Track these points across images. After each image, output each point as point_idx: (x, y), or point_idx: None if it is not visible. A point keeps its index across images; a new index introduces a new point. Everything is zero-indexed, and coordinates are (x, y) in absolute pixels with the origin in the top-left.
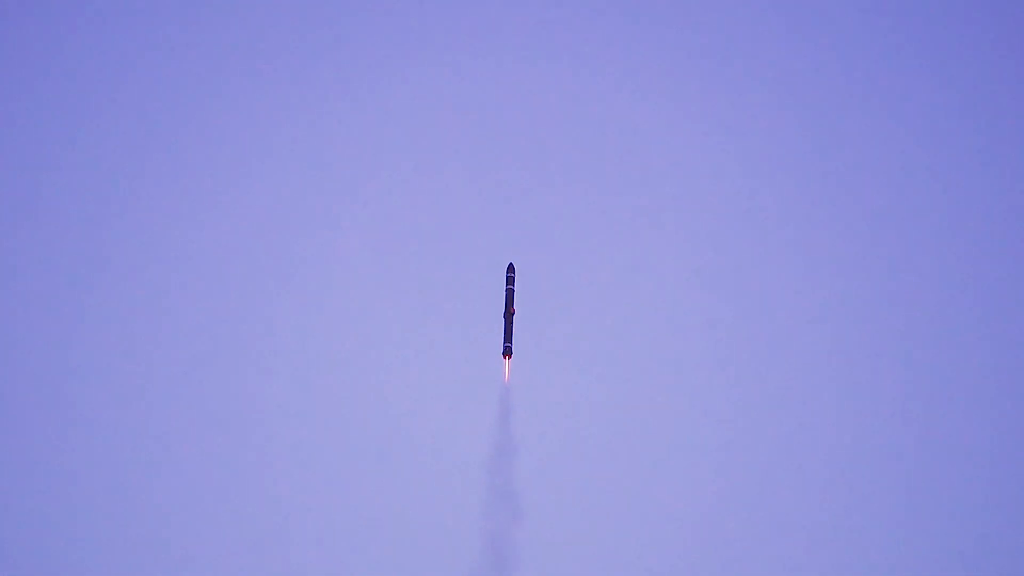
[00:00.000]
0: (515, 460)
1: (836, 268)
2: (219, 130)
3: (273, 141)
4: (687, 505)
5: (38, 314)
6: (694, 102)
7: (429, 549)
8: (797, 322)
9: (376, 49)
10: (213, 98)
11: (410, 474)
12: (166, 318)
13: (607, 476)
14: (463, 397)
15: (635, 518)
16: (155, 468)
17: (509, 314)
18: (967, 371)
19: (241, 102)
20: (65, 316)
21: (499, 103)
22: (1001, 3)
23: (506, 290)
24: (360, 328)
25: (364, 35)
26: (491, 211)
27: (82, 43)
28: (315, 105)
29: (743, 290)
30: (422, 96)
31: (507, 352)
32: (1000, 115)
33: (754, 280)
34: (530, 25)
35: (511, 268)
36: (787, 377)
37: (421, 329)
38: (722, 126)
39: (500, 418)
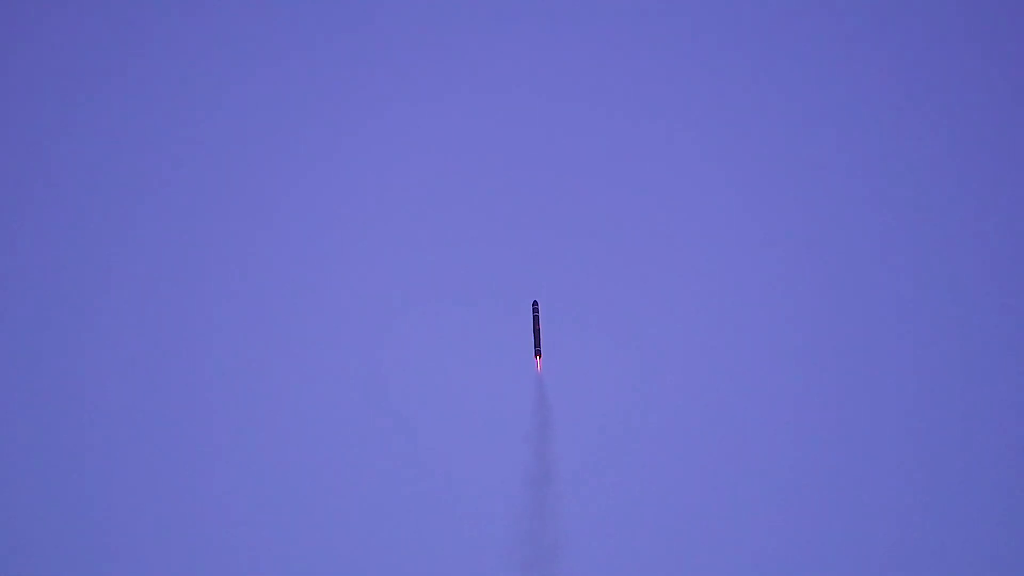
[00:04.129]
0: (549, 421)
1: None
2: (274, 165)
3: (332, 180)
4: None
5: (38, 315)
6: (715, 142)
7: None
8: (800, 331)
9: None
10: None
11: (463, 434)
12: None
13: (622, 444)
14: (510, 383)
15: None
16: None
17: (536, 330)
18: (967, 372)
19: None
20: (66, 316)
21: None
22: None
23: (533, 317)
24: (422, 340)
25: (404, 88)
26: (518, 247)
27: (81, 44)
28: (368, 150)
29: (750, 300)
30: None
31: (538, 353)
32: (1001, 118)
33: (762, 289)
34: (568, 79)
35: (535, 303)
36: (779, 373)
37: (473, 342)
38: (744, 161)
39: (537, 398)
